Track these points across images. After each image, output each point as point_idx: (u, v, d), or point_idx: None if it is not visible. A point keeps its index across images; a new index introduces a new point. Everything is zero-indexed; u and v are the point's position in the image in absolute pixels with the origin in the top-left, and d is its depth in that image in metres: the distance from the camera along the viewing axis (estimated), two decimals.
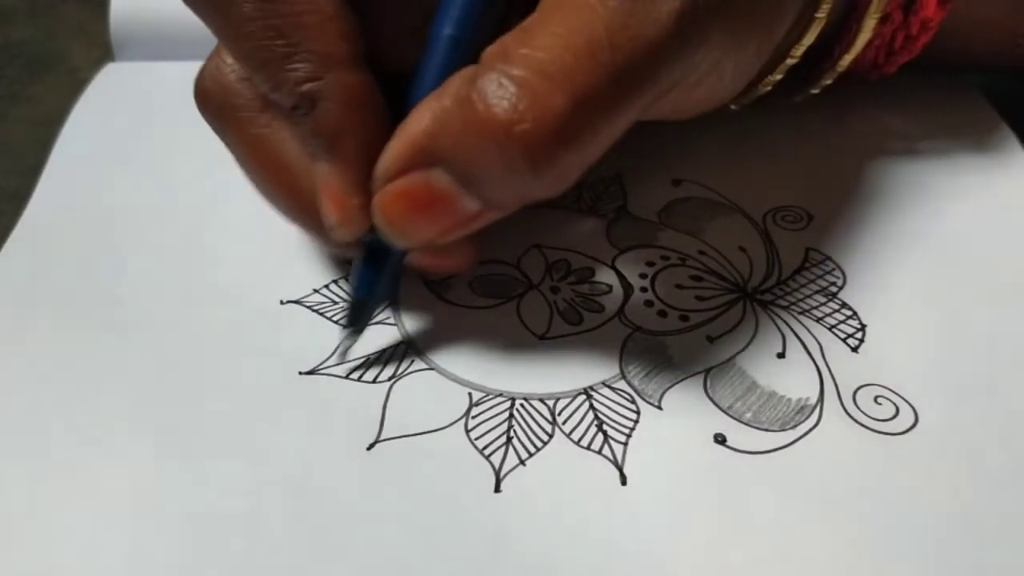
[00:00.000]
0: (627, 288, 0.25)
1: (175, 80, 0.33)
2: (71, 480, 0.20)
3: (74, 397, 0.22)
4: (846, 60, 0.26)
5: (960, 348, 0.23)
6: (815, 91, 0.28)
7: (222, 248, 0.26)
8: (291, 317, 0.24)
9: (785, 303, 0.24)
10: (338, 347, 0.23)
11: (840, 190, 0.28)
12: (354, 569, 0.19)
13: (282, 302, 0.25)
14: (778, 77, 0.26)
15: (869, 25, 0.25)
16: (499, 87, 0.18)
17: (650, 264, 0.25)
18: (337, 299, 0.25)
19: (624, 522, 0.20)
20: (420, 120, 0.19)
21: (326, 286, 0.25)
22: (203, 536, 0.19)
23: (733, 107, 0.27)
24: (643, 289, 0.25)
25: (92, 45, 0.37)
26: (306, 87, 0.20)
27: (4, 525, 0.20)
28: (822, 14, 0.24)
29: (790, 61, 0.25)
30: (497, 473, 0.20)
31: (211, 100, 0.22)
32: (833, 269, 0.25)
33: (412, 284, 0.25)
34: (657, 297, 0.25)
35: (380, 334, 0.24)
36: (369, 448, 0.21)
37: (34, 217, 0.27)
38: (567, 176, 0.19)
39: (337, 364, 0.23)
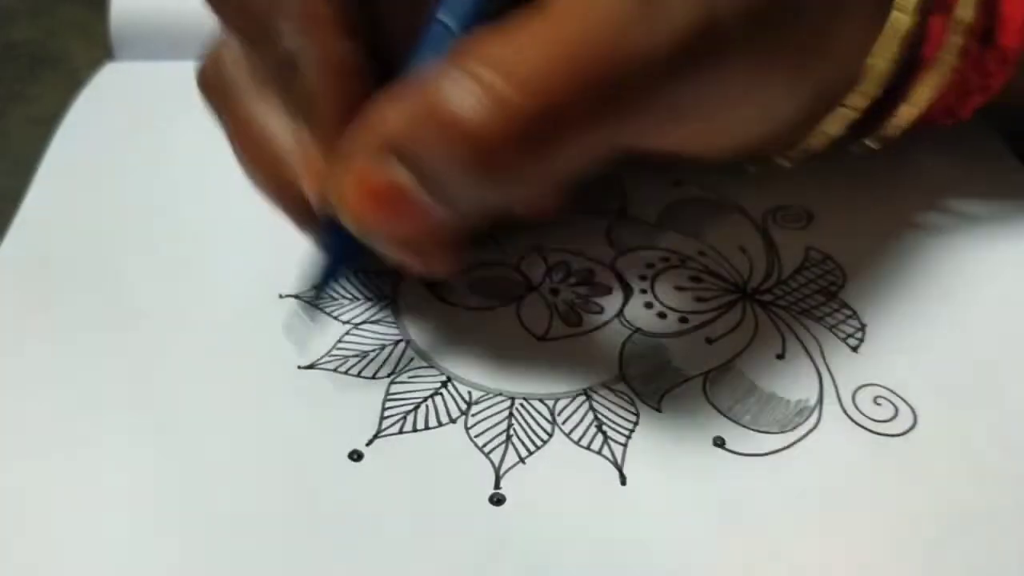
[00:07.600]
0: (627, 290, 0.25)
1: (175, 80, 0.33)
2: (68, 479, 0.20)
3: (71, 396, 0.22)
4: (909, 114, 0.23)
5: (960, 348, 0.23)
6: (874, 145, 0.24)
7: (220, 243, 0.26)
8: (290, 311, 0.24)
9: (785, 303, 0.24)
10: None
11: (840, 190, 0.28)
12: (352, 566, 0.19)
13: (281, 296, 0.25)
14: (833, 129, 0.23)
15: (931, 81, 0.22)
16: (456, 82, 0.16)
17: (650, 266, 0.25)
18: (336, 294, 0.25)
19: (624, 522, 0.20)
20: (381, 104, 0.18)
21: None
22: (200, 533, 0.19)
23: (787, 164, 0.25)
24: (643, 291, 0.25)
25: (92, 45, 0.37)
26: (285, 45, 0.19)
27: (4, 525, 0.20)
28: (874, 60, 0.21)
29: (849, 113, 0.22)
30: (496, 471, 0.20)
31: (207, 82, 0.23)
32: (833, 269, 0.25)
33: (412, 285, 0.25)
34: (657, 299, 0.25)
35: (380, 334, 0.24)
36: (368, 444, 0.21)
37: (29, 216, 0.27)
38: (527, 185, 0.17)
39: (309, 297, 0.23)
